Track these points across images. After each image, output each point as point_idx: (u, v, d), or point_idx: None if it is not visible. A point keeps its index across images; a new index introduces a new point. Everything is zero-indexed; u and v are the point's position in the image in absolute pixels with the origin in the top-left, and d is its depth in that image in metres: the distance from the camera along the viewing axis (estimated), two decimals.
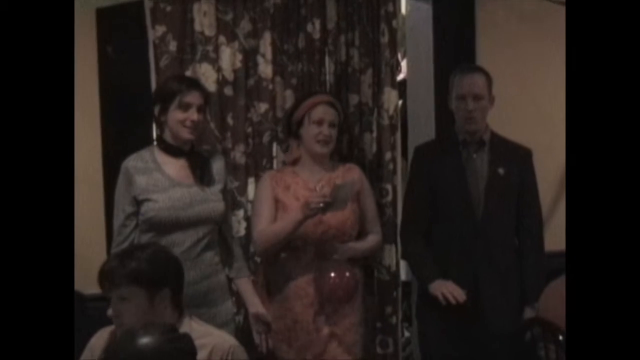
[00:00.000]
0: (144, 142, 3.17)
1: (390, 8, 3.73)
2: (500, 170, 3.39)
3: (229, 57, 3.42)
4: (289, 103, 3.50)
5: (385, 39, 3.72)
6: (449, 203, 3.40)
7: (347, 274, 3.20)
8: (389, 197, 3.73)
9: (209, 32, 3.38)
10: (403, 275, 3.99)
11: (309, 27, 3.59)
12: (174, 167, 3.01)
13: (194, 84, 3.06)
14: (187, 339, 2.21)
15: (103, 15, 3.44)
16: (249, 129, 3.49)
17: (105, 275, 2.45)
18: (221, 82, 3.41)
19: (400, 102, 4.07)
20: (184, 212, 2.94)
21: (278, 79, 3.54)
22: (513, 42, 4.29)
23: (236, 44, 3.44)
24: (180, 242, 2.94)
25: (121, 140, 3.39)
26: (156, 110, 3.00)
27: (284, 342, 3.23)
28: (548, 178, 3.89)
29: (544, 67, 4.32)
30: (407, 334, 4.45)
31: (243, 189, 3.46)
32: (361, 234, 3.38)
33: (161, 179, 2.96)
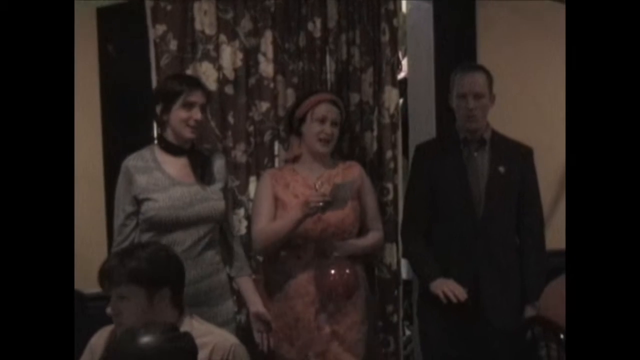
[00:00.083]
0: (145, 141, 3.17)
1: (391, 7, 3.74)
2: (501, 169, 3.39)
3: (229, 56, 3.42)
4: (290, 102, 3.50)
5: (386, 38, 3.73)
6: (450, 202, 3.39)
7: (348, 270, 3.20)
8: (390, 196, 3.74)
9: (210, 30, 3.38)
10: (404, 274, 3.99)
11: (310, 26, 3.59)
12: (175, 166, 3.01)
13: (196, 82, 3.07)
14: (188, 338, 2.21)
15: (104, 14, 3.43)
16: (251, 128, 3.49)
17: (105, 274, 2.45)
18: (222, 81, 3.41)
19: (401, 100, 4.08)
20: (184, 211, 2.94)
21: (279, 77, 3.54)
22: (514, 40, 4.30)
23: (237, 43, 3.44)
24: (181, 241, 2.94)
25: (122, 139, 3.39)
26: (158, 109, 2.99)
27: (285, 340, 3.23)
28: (548, 177, 3.89)
29: (544, 66, 4.32)
30: (408, 332, 4.45)
31: (244, 188, 3.46)
32: (362, 231, 3.38)
33: (161, 178, 2.96)
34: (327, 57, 3.66)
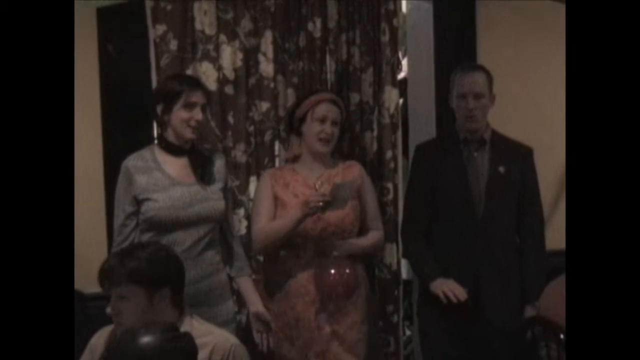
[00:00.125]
0: (145, 141, 3.17)
1: (391, 7, 3.74)
2: (501, 169, 3.39)
3: (229, 56, 3.42)
4: (290, 102, 3.50)
5: (386, 38, 3.73)
6: (450, 201, 3.39)
7: (347, 270, 3.20)
8: (390, 196, 3.74)
9: (210, 30, 3.38)
10: (404, 274, 3.99)
11: (310, 26, 3.59)
12: (175, 166, 3.01)
13: (197, 83, 3.07)
14: (188, 338, 2.21)
15: (104, 14, 3.43)
16: (251, 128, 3.49)
17: (105, 274, 2.45)
18: (222, 81, 3.41)
19: (401, 100, 4.08)
20: (184, 211, 2.94)
21: (279, 77, 3.54)
22: (514, 40, 4.30)
23: (237, 43, 3.44)
24: (181, 241, 2.94)
25: (122, 139, 3.39)
26: (159, 109, 2.99)
27: (285, 340, 3.23)
28: (548, 177, 3.89)
29: (544, 66, 4.32)
30: (408, 332, 4.45)
31: (244, 188, 3.46)
32: (362, 231, 3.38)
33: (161, 178, 2.96)
34: (327, 57, 3.66)
